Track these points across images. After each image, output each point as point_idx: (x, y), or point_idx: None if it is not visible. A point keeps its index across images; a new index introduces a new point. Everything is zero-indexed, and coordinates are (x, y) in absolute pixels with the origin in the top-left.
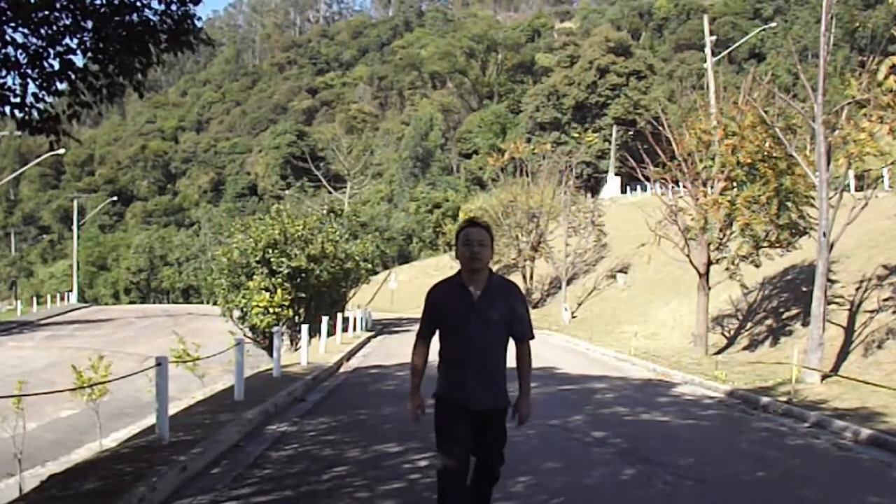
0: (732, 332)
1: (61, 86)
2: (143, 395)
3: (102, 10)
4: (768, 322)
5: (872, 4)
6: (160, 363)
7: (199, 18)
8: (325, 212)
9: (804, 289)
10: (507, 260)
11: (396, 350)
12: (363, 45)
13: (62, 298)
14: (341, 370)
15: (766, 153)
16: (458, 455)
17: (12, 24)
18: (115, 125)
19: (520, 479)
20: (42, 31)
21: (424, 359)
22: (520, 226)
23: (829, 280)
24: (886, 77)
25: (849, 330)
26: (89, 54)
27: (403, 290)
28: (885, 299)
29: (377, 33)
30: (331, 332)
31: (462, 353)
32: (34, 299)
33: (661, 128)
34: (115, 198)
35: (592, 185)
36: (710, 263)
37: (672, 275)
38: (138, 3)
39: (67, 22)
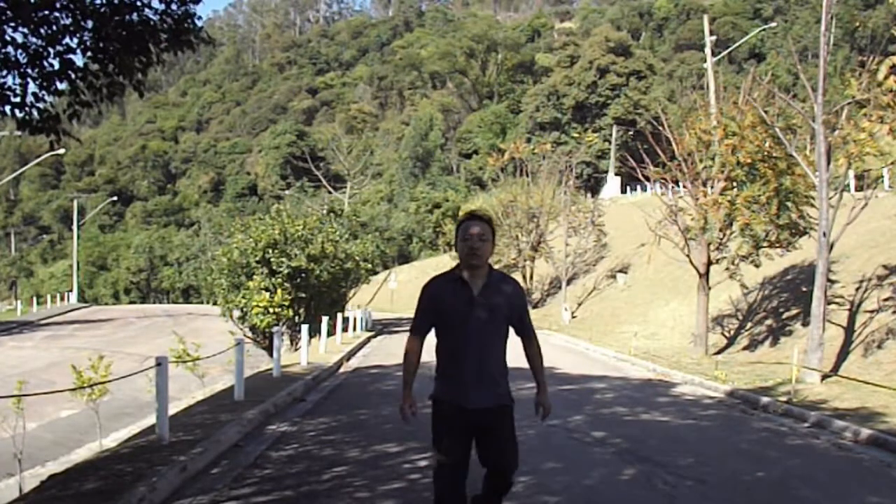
0: (732, 332)
1: (61, 85)
2: (143, 395)
3: (102, 9)
4: (768, 322)
5: (872, 4)
6: (160, 363)
7: (200, 18)
8: (325, 212)
9: (804, 289)
10: (507, 260)
11: (396, 350)
12: (363, 45)
13: (62, 298)
14: (341, 370)
15: (766, 153)
16: (456, 459)
17: (12, 24)
18: (115, 125)
19: (520, 479)
20: (42, 31)
21: (418, 356)
22: (520, 226)
23: (829, 280)
24: (886, 77)
25: (849, 330)
26: (89, 54)
27: (403, 290)
28: (885, 299)
29: (377, 33)
30: (331, 332)
31: (460, 351)
32: (34, 299)
33: (661, 128)
34: (115, 198)
35: (592, 185)
36: (710, 263)
37: (672, 275)
38: (138, 3)
39: (67, 21)
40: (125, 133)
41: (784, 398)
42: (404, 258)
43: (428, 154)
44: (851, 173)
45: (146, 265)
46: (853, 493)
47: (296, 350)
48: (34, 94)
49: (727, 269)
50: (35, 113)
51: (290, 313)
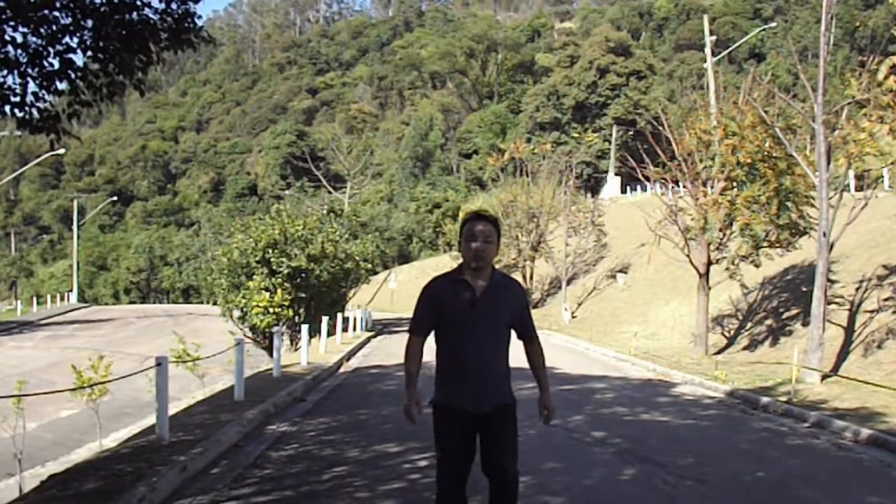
0: (732, 332)
1: (61, 85)
2: (143, 395)
3: (102, 8)
4: (768, 322)
5: (872, 4)
6: (160, 363)
7: (200, 17)
8: (325, 212)
9: (804, 289)
10: (507, 260)
11: (396, 350)
12: (363, 45)
13: (62, 298)
14: (341, 370)
15: (766, 153)
16: (458, 462)
17: (12, 24)
18: (115, 125)
19: (520, 479)
20: (42, 30)
21: (420, 359)
22: (520, 226)
23: (829, 280)
24: (886, 77)
25: (849, 330)
26: (89, 53)
27: (403, 290)
28: (885, 299)
29: (377, 33)
30: (331, 332)
31: (462, 354)
32: (34, 299)
33: (661, 128)
34: (115, 198)
35: (592, 185)
36: (710, 263)
37: (672, 275)
38: (138, 2)
39: (67, 21)
40: (125, 133)
41: (784, 398)
42: (404, 258)
43: (428, 154)
44: (851, 173)
45: (146, 265)
46: (853, 493)
47: (296, 350)
48: (34, 93)
49: (727, 269)
50: (35, 112)
51: (290, 313)
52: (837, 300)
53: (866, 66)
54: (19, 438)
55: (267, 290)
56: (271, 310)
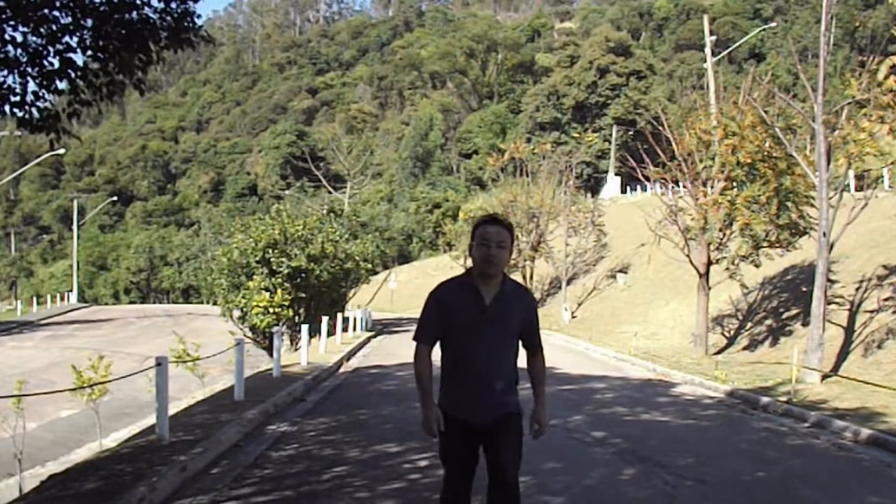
0: (732, 332)
1: (61, 84)
2: (143, 395)
3: (102, 8)
4: (768, 322)
5: (872, 4)
6: (160, 363)
7: (199, 16)
8: (325, 212)
9: (804, 289)
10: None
11: (396, 350)
12: (363, 45)
13: (62, 298)
14: (341, 370)
15: (766, 153)
16: (463, 475)
17: (12, 23)
18: (115, 125)
19: (520, 479)
20: (42, 30)
21: (430, 369)
22: (520, 226)
23: (829, 280)
24: (886, 77)
25: (849, 330)
26: (89, 52)
27: (403, 290)
28: (885, 299)
29: (377, 33)
30: (331, 332)
31: (467, 363)
32: (34, 299)
33: (661, 128)
34: (115, 198)
35: (592, 185)
36: (710, 263)
37: (672, 275)
38: (138, 1)
39: (67, 20)
40: (125, 133)
41: (784, 398)
42: (404, 258)
43: (428, 154)
44: (851, 173)
45: (146, 265)
46: (853, 493)
47: (296, 350)
48: (34, 92)
49: (727, 269)
50: (35, 112)
51: (290, 313)
52: (837, 300)
53: (866, 66)
54: (19, 438)
55: (267, 290)
56: (271, 310)
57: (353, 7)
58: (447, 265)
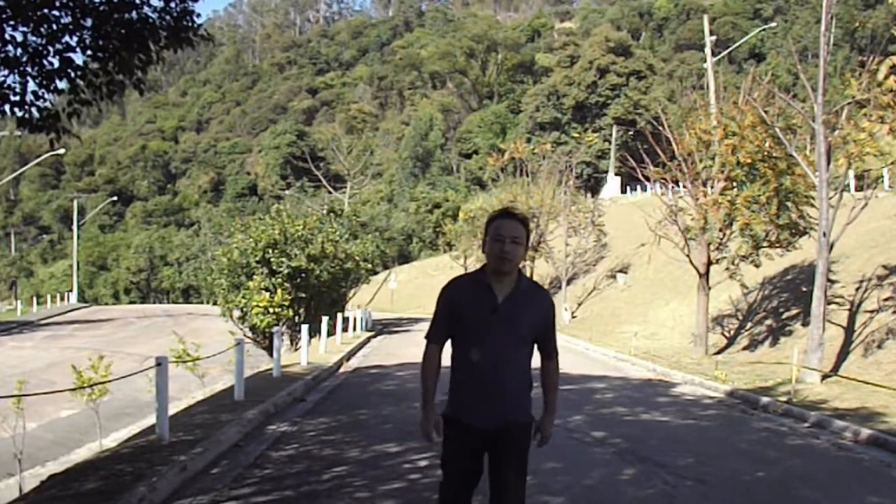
0: (732, 332)
1: (61, 84)
2: (143, 395)
3: (102, 7)
4: (768, 322)
5: (872, 4)
6: (160, 363)
7: (199, 15)
8: (325, 212)
9: (804, 289)
10: None
11: (396, 350)
12: (363, 45)
13: (62, 298)
14: (341, 370)
15: (766, 153)
16: (463, 484)
17: (12, 23)
18: (115, 125)
19: None
20: (42, 29)
21: (438, 367)
22: None
23: (829, 280)
24: (886, 77)
25: (849, 330)
26: (89, 52)
27: (403, 290)
28: (885, 299)
29: (377, 33)
30: (331, 332)
31: (478, 364)
32: (34, 299)
33: (661, 128)
34: (115, 198)
35: (592, 185)
36: (710, 263)
37: (672, 275)
38: (137, 1)
39: (67, 20)
40: (125, 133)
41: (784, 398)
42: (404, 258)
43: (428, 154)
44: (851, 173)
45: (146, 265)
46: (853, 493)
47: (296, 350)
48: (34, 92)
49: (727, 269)
50: (35, 111)
51: (290, 313)
52: (837, 300)
53: (866, 66)
54: (19, 438)
55: (267, 290)
56: (271, 310)
57: (353, 7)
58: (447, 265)
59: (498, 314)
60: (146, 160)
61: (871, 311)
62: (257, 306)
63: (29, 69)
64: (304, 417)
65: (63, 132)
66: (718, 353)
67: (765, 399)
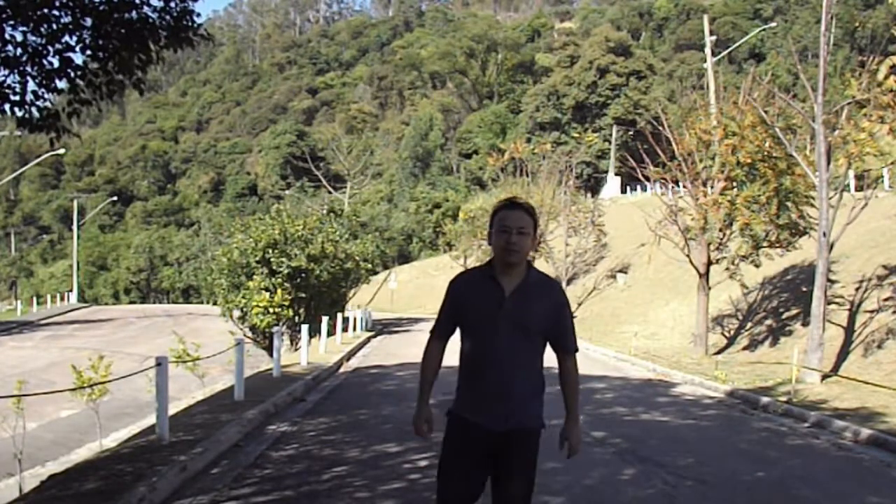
0: (732, 332)
1: (61, 83)
2: (143, 395)
3: (101, 7)
4: (768, 322)
5: (872, 4)
6: (160, 363)
7: (199, 15)
8: (325, 212)
9: (804, 289)
10: None
11: (396, 350)
12: (363, 45)
13: (62, 298)
14: (341, 370)
15: (766, 153)
16: (463, 490)
17: (12, 22)
18: (115, 125)
19: None
20: (41, 29)
21: (438, 362)
22: None
23: (829, 280)
24: (886, 77)
25: (849, 330)
26: (89, 52)
27: (403, 290)
28: (885, 299)
29: (377, 33)
30: (331, 332)
31: (484, 361)
32: (34, 299)
33: (661, 128)
34: (115, 198)
35: (592, 185)
36: (710, 263)
37: (672, 275)
38: (137, 1)
39: (67, 19)
40: (125, 133)
41: (784, 398)
42: (404, 258)
43: (428, 154)
44: (851, 173)
45: (146, 265)
46: (853, 493)
47: (296, 350)
48: (34, 92)
49: (727, 269)
50: (35, 111)
51: (290, 313)
52: (837, 300)
53: (866, 66)
54: (19, 438)
55: (267, 290)
56: (271, 310)
57: (353, 7)
58: (447, 265)
59: (505, 308)
60: (146, 160)
61: (871, 311)
62: (257, 306)
63: (29, 69)
64: (304, 417)
65: (63, 132)
66: (718, 353)
67: (765, 399)
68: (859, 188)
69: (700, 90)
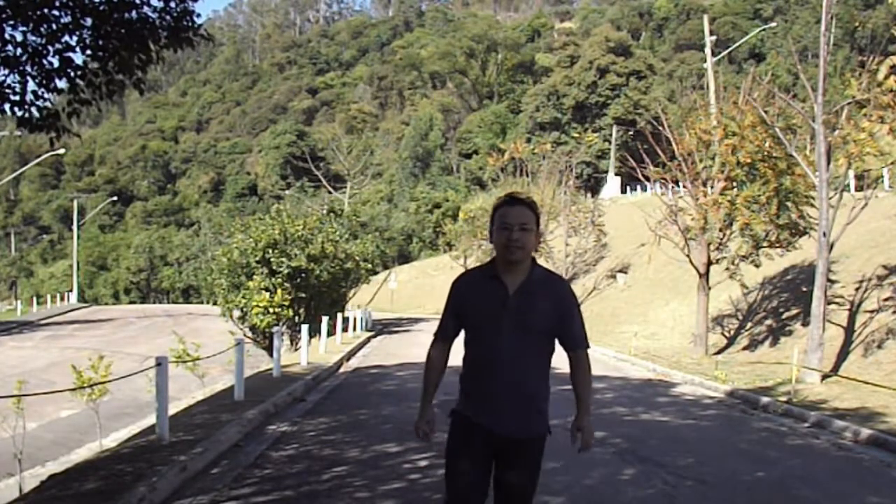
0: (732, 332)
1: (61, 83)
2: (143, 395)
3: (102, 7)
4: (768, 322)
5: (872, 4)
6: (160, 363)
7: (199, 15)
8: (325, 212)
9: (804, 289)
10: None
11: (396, 350)
12: (363, 45)
13: (62, 298)
14: (341, 370)
15: (766, 153)
16: (468, 491)
17: (12, 22)
18: (115, 125)
19: None
20: (41, 29)
21: (442, 366)
22: None
23: (829, 280)
24: (886, 77)
25: (849, 330)
26: (89, 52)
27: (403, 290)
28: (885, 299)
29: (377, 33)
30: (331, 332)
31: (488, 362)
32: (34, 299)
33: (661, 128)
34: (115, 198)
35: (592, 185)
36: (710, 263)
37: (672, 275)
38: (137, 1)
39: (67, 19)
40: (125, 133)
41: (784, 398)
42: (404, 258)
43: (428, 154)
44: (851, 173)
45: (146, 265)
46: (853, 493)
47: (296, 350)
48: (34, 92)
49: (727, 269)
50: (35, 111)
51: (290, 313)
52: (837, 300)
53: (866, 66)
54: (19, 438)
55: (267, 290)
56: (271, 310)
57: (353, 7)
58: (447, 265)
59: (509, 308)
60: (146, 160)
61: (871, 311)
62: (257, 306)
63: (29, 69)
64: (304, 417)
65: (63, 132)
66: (718, 353)
67: (765, 399)
68: (859, 188)
69: (700, 90)
